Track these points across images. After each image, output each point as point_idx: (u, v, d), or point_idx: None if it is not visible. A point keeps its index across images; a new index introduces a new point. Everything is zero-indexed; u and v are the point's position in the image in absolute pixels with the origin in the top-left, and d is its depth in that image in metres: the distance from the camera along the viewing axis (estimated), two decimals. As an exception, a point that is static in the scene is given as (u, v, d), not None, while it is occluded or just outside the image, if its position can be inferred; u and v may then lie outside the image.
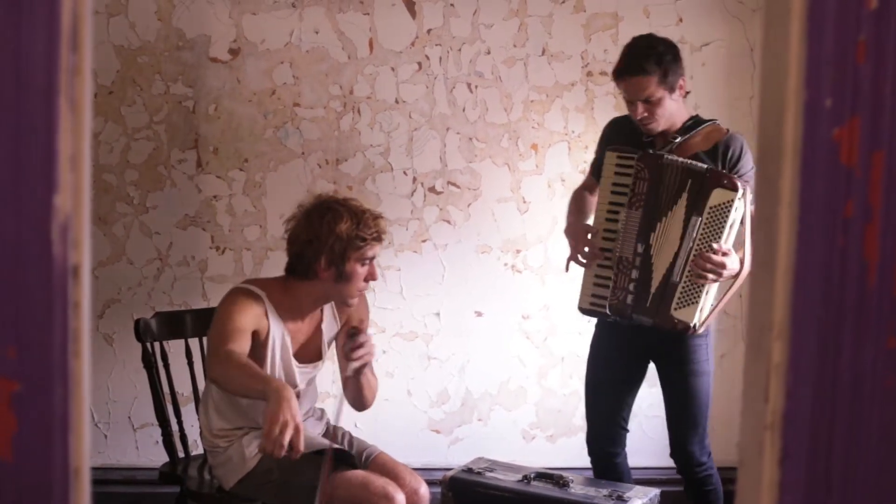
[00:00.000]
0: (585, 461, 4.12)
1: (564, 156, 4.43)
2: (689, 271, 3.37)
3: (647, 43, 3.47)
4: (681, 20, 4.37)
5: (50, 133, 1.08)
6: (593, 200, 3.74)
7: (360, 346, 3.26)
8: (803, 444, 1.18)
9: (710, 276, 3.34)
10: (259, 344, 3.22)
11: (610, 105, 4.41)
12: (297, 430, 2.82)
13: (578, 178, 4.40)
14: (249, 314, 3.18)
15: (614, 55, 4.37)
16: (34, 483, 1.11)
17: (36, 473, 1.11)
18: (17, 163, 1.07)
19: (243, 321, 3.16)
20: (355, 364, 3.25)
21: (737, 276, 3.38)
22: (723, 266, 3.34)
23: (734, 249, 3.38)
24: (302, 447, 2.85)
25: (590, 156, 4.38)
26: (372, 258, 3.27)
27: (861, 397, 1.17)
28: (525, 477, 3.46)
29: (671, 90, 3.42)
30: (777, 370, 1.18)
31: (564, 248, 4.43)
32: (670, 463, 4.23)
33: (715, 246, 3.33)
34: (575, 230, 3.67)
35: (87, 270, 1.12)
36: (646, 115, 3.43)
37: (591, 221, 3.69)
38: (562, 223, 4.38)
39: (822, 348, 1.17)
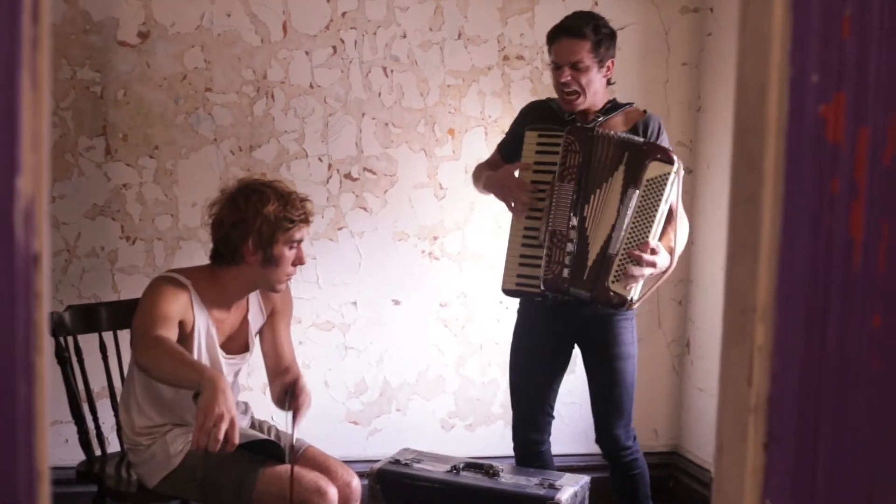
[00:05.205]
0: (505, 450, 4.10)
1: (481, 141, 4.39)
2: (625, 246, 3.36)
3: (590, 14, 3.53)
4: (596, 3, 4.37)
5: (11, 110, 1.00)
6: None
7: (302, 404, 3.19)
8: (790, 427, 1.16)
9: (644, 272, 3.36)
10: (185, 335, 3.12)
11: (527, 89, 4.38)
12: (232, 422, 2.73)
13: (496, 164, 4.38)
14: (176, 303, 3.08)
15: (531, 39, 4.37)
16: (-4, 490, 1.03)
17: (-2, 479, 1.03)
18: (-22, 142, 0.99)
19: (170, 309, 3.05)
20: (301, 418, 3.18)
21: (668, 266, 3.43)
22: (653, 265, 3.36)
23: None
24: (237, 440, 2.76)
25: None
26: (300, 241, 3.20)
27: (848, 377, 1.16)
28: (454, 467, 3.42)
29: (600, 64, 3.44)
30: (761, 352, 1.16)
31: (482, 235, 4.42)
32: (589, 450, 4.24)
33: (652, 244, 3.34)
34: (498, 177, 3.62)
35: (47, 259, 1.05)
36: (570, 79, 3.42)
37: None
38: (479, 209, 4.37)
39: (808, 329, 1.15)
